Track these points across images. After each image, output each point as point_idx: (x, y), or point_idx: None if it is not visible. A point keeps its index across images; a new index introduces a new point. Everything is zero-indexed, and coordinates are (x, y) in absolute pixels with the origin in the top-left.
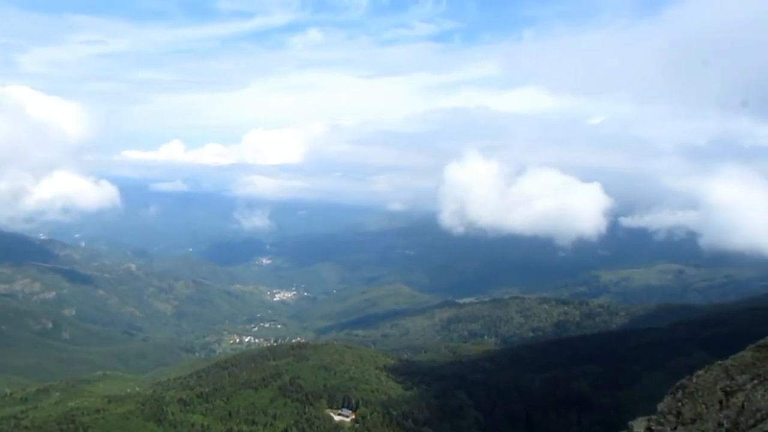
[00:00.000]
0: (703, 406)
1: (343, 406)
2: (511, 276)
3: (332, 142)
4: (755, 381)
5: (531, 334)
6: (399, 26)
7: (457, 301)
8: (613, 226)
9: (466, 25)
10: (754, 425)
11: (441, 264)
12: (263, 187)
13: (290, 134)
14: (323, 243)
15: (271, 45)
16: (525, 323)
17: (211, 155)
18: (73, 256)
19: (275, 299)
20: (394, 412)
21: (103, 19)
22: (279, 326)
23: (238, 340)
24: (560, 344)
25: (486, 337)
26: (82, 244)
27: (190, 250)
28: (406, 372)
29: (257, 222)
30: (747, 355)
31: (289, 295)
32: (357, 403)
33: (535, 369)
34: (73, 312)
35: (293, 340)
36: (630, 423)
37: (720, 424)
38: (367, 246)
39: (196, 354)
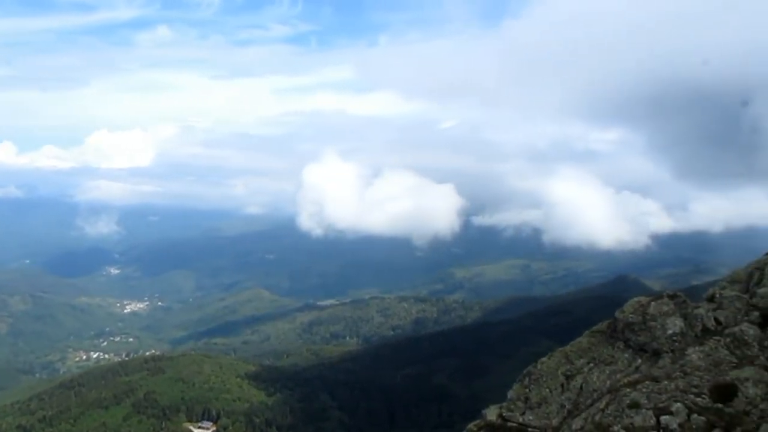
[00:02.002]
0: (548, 390)
1: (203, 419)
2: (370, 276)
3: (184, 144)
4: (591, 364)
5: (391, 332)
6: (253, 27)
7: (318, 303)
8: (466, 225)
9: (322, 28)
10: (591, 404)
11: (301, 267)
12: (109, 191)
13: (138, 136)
14: (177, 249)
15: (115, 41)
16: (385, 322)
17: (49, 158)
18: None
19: (126, 311)
20: (257, 420)
21: None
22: (131, 339)
23: (84, 357)
24: (419, 341)
25: (348, 338)
26: None
27: (27, 261)
28: (269, 378)
29: (103, 229)
30: (584, 340)
31: (142, 305)
32: (218, 413)
33: (396, 366)
34: None
35: (147, 353)
36: (483, 411)
37: (562, 406)
38: (224, 251)
39: (37, 375)
